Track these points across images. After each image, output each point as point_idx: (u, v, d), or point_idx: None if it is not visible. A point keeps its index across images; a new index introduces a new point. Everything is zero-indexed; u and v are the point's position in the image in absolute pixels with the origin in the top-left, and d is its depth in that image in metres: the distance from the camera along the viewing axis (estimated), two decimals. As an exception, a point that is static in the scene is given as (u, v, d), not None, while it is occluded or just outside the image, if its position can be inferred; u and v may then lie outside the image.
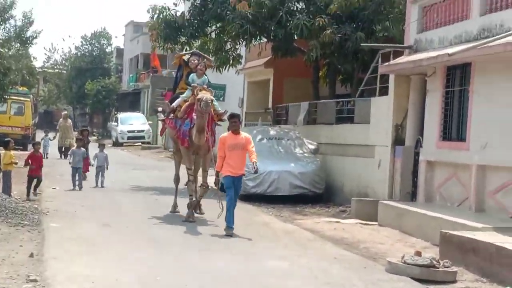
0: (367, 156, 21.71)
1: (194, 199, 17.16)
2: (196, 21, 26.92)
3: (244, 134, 15.36)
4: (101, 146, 25.38)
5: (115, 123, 58.98)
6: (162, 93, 62.16)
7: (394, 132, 20.18)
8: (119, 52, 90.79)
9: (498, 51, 14.49)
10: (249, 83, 37.61)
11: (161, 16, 27.09)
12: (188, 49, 28.91)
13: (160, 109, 59.51)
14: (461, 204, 16.81)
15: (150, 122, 58.03)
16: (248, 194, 22.52)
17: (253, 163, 14.74)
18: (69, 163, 23.18)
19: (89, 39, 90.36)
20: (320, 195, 22.95)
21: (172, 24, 26.96)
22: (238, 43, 27.72)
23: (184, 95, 17.12)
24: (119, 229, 15.94)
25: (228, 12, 25.12)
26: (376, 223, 17.90)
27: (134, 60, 78.92)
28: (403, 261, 12.21)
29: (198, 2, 26.35)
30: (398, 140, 20.19)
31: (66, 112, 41.77)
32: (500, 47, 14.22)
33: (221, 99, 40.63)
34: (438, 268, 11.97)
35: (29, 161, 20.78)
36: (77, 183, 22.72)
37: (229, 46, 27.88)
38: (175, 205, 18.44)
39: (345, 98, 25.61)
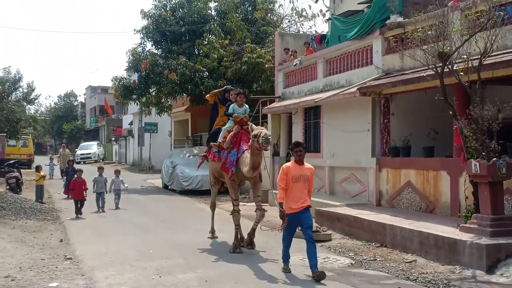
0: (256, 163, 21.33)
1: (239, 230, 10.95)
2: (142, 85, 26.30)
3: (308, 165, 8.88)
4: (117, 173, 18.46)
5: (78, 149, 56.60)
6: (113, 128, 61.26)
7: (272, 148, 19.82)
8: (82, 104, 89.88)
9: (345, 97, 14.51)
10: (175, 122, 37.18)
11: (120, 83, 26.57)
12: (138, 103, 28.49)
13: (113, 139, 59.17)
14: (319, 190, 16.68)
15: (101, 147, 57.23)
16: (183, 190, 21.95)
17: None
18: (93, 190, 16.55)
19: (62, 97, 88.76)
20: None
21: (127, 88, 26.51)
22: (169, 98, 27.34)
23: (226, 126, 11.12)
24: (112, 220, 15.17)
25: (163, 79, 24.95)
26: (268, 204, 17.60)
27: (93, 109, 78.35)
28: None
29: (144, 74, 25.64)
30: (276, 153, 20.10)
31: (64, 144, 39.76)
32: (349, 95, 14.22)
33: (155, 131, 39.65)
34: (320, 232, 11.87)
35: (72, 188, 16.30)
36: (101, 206, 16.61)
37: (163, 100, 27.38)
38: (212, 231, 12.25)
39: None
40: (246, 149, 10.45)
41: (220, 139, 11.10)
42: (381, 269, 9.19)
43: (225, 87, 12.24)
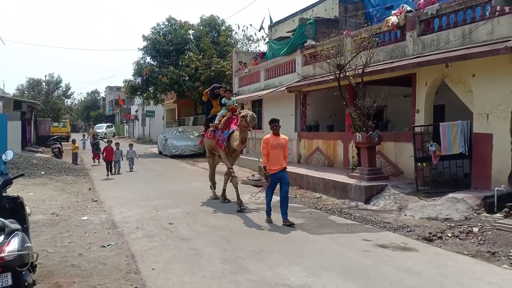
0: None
1: (237, 191, 8.86)
2: (144, 86, 25.33)
3: (283, 135, 7.41)
4: (130, 146, 16.90)
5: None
6: (124, 114, 58.19)
7: (231, 127, 19.69)
8: (103, 98, 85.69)
9: (277, 93, 14.39)
10: (166, 110, 36.14)
11: (129, 83, 25.64)
12: (141, 97, 27.44)
13: (124, 121, 56.31)
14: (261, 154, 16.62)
15: (112, 127, 51.98)
16: (172, 155, 21.48)
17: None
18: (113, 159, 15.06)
19: (89, 93, 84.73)
20: (203, 154, 21.82)
21: (134, 87, 25.55)
22: (162, 94, 26.54)
23: (221, 112, 9.51)
24: (124, 176, 14.58)
25: (158, 81, 24.26)
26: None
27: (110, 102, 75.01)
28: (247, 178, 11.98)
29: (145, 78, 24.75)
30: (233, 130, 19.60)
31: (92, 125, 38.24)
32: (280, 92, 14.12)
33: (153, 116, 38.49)
34: (261, 180, 11.71)
35: (104, 152, 14.97)
36: (117, 169, 15.10)
37: (158, 95, 26.50)
38: (215, 195, 9.89)
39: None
40: (236, 129, 8.90)
41: (216, 121, 9.58)
42: (300, 203, 9.26)
43: (213, 85, 10.59)
